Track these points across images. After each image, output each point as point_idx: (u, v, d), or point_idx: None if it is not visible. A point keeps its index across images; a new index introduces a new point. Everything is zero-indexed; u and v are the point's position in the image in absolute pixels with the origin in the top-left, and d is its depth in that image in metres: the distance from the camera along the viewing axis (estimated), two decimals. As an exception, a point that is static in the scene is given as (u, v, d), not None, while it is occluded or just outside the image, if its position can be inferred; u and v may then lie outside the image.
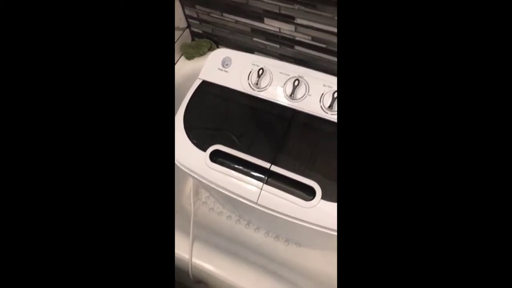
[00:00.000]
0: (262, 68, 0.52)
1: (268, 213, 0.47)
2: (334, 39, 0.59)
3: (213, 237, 0.76)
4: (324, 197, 0.44)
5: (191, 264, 0.55)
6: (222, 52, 0.56)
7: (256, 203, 0.46)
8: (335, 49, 0.61)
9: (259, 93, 0.52)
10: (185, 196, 0.88)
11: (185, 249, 0.57)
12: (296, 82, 0.50)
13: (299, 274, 0.76)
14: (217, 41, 0.77)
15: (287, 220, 0.47)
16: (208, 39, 0.77)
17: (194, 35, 0.79)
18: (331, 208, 0.44)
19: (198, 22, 0.73)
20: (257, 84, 0.52)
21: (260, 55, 0.72)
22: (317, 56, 0.65)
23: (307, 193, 0.45)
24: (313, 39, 0.61)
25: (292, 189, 0.46)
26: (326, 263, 0.78)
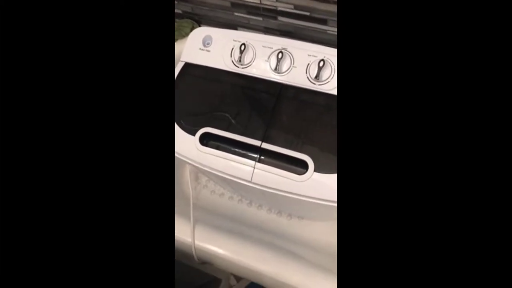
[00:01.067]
0: (244, 44, 0.50)
1: (265, 190, 0.47)
2: (318, 6, 0.56)
3: (216, 219, 0.77)
4: (317, 169, 0.44)
5: (195, 247, 0.57)
6: (201, 31, 0.54)
7: (250, 182, 0.46)
8: (320, 16, 0.59)
9: (243, 69, 0.51)
10: (185, 182, 0.88)
11: (187, 233, 0.58)
12: (280, 55, 0.48)
13: (304, 246, 0.77)
14: (198, 20, 0.74)
15: (285, 196, 0.47)
16: (189, 19, 0.74)
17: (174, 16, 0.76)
18: (324, 180, 0.44)
19: (176, 2, 0.70)
20: (240, 60, 0.50)
21: (244, 31, 0.69)
22: (302, 25, 0.62)
23: (300, 167, 0.45)
24: (296, 7, 0.59)
25: (285, 165, 0.46)
26: (330, 234, 0.79)
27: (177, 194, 0.85)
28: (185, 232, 0.58)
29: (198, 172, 0.88)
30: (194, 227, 0.58)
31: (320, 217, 0.80)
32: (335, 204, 0.45)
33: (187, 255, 0.59)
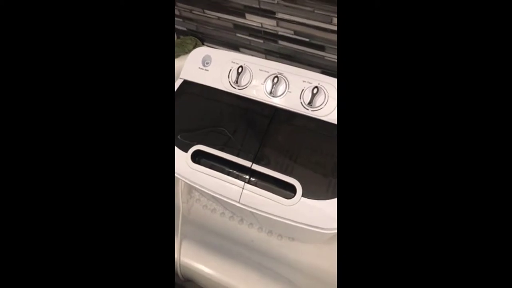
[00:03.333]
0: (241, 66, 0.51)
1: (253, 212, 0.47)
2: (317, 33, 0.58)
3: (206, 235, 0.76)
4: (305, 194, 0.44)
5: (180, 263, 0.56)
6: (202, 51, 0.56)
7: (238, 202, 0.47)
8: (318, 43, 0.60)
9: (239, 91, 0.52)
10: (178, 195, 0.88)
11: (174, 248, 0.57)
12: (276, 79, 0.49)
13: (292, 268, 0.76)
14: (202, 38, 0.76)
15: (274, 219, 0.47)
16: (193, 37, 0.76)
17: (178, 32, 0.78)
18: (312, 205, 0.44)
19: (181, 20, 0.73)
20: (237, 82, 0.51)
21: (246, 51, 0.71)
22: (301, 50, 0.64)
23: (289, 191, 0.45)
24: (296, 33, 0.60)
25: (273, 188, 0.46)
26: (319, 257, 0.78)
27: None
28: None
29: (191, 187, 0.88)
30: (181, 243, 0.58)
31: (310, 240, 0.79)
32: (322, 231, 0.45)
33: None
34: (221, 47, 0.76)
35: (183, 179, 0.50)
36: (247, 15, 0.61)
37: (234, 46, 0.73)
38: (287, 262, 0.79)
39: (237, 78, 0.51)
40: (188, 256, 0.58)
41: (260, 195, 0.46)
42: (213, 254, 0.61)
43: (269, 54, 0.70)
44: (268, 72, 0.51)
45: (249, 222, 0.85)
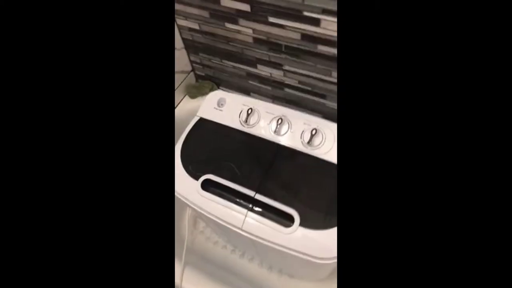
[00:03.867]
0: (251, 108, 0.59)
1: (255, 240, 0.51)
2: (319, 83, 0.67)
3: (207, 265, 0.78)
4: (303, 224, 0.48)
5: (181, 289, 0.58)
6: (218, 94, 0.64)
7: (241, 229, 0.51)
8: (320, 92, 0.69)
9: (248, 129, 0.59)
10: (183, 224, 0.92)
11: (176, 274, 0.60)
12: (280, 121, 0.56)
13: (290, 307, 0.76)
14: (218, 83, 0.86)
15: (273, 248, 0.50)
16: (210, 81, 0.86)
17: (198, 77, 0.89)
18: (309, 235, 0.48)
19: (201, 67, 0.83)
20: (246, 121, 0.59)
21: (255, 96, 0.80)
22: (304, 97, 0.72)
23: (287, 220, 0.50)
24: (300, 82, 0.69)
25: (274, 216, 0.50)
26: (318, 297, 0.78)
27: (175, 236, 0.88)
28: (175, 273, 0.61)
29: (197, 217, 0.92)
30: (183, 269, 0.60)
31: (309, 276, 0.80)
32: (318, 261, 0.48)
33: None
34: (234, 91, 0.85)
35: (193, 206, 0.55)
36: (259, 66, 0.71)
37: (246, 91, 0.82)
38: (286, 301, 0.79)
39: (247, 118, 0.59)
40: (189, 282, 0.60)
41: (261, 223, 0.50)
42: (214, 283, 0.63)
43: (276, 99, 0.79)
44: (273, 114, 0.58)
45: (250, 256, 0.87)
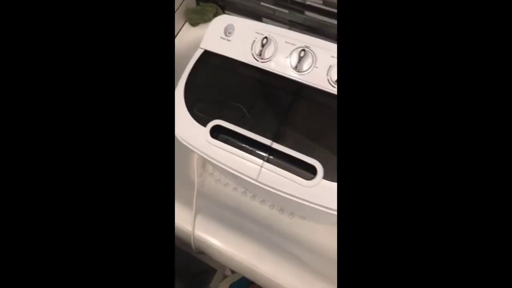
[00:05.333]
0: (266, 37, 0.48)
1: (270, 190, 0.46)
2: (348, 4, 0.53)
3: (218, 209, 0.77)
4: (326, 176, 0.43)
5: (194, 237, 0.57)
6: (224, 19, 0.52)
7: (256, 180, 0.45)
8: (349, 15, 0.56)
9: (262, 64, 0.49)
10: (191, 168, 0.88)
11: (187, 222, 0.58)
12: (302, 53, 0.46)
13: (302, 247, 0.77)
14: (223, 6, 0.72)
15: (291, 199, 0.46)
16: (213, 4, 0.72)
17: (198, -1, 0.74)
18: (332, 188, 0.43)
19: (202, -15, 0.68)
20: (260, 54, 0.48)
21: (269, 21, 0.67)
22: (328, 22, 0.59)
23: (309, 172, 0.44)
24: (325, 3, 0.56)
25: (293, 168, 0.44)
26: (330, 237, 0.78)
27: (182, 180, 0.85)
28: (186, 221, 0.58)
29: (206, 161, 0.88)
30: (195, 216, 0.58)
31: (322, 221, 0.79)
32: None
33: (186, 244, 0.59)
34: (242, 16, 0.71)
35: (201, 154, 0.49)
36: (274, -18, 0.57)
37: (257, 16, 0.69)
38: (297, 240, 0.79)
39: (261, 50, 0.48)
40: (201, 230, 0.58)
41: (279, 175, 0.44)
42: (225, 228, 0.61)
43: (293, 25, 0.66)
44: (294, 44, 0.47)
45: (261, 198, 0.85)
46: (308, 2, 0.57)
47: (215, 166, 0.66)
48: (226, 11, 0.73)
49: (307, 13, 0.60)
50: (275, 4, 0.62)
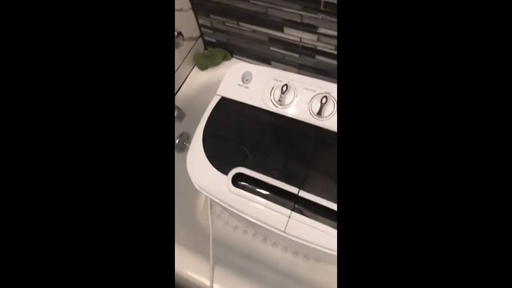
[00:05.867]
0: (286, 84, 0.48)
1: (296, 241, 0.44)
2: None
3: (228, 254, 0.73)
4: (359, 226, 0.41)
5: (212, 291, 0.52)
6: (241, 67, 0.53)
7: (284, 232, 0.43)
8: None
9: (283, 110, 0.49)
10: (199, 211, 0.85)
11: (205, 274, 0.54)
12: (324, 99, 0.46)
13: (320, 293, 0.72)
14: (231, 51, 0.74)
15: (317, 249, 0.43)
16: (222, 49, 0.74)
17: (207, 44, 0.76)
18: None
19: (211, 31, 0.70)
20: (280, 100, 0.49)
21: (278, 65, 0.69)
22: (340, 66, 0.61)
23: (336, 220, 0.42)
24: (337, 48, 0.58)
25: (322, 217, 0.43)
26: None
27: (191, 224, 0.81)
28: (202, 273, 0.54)
29: (210, 200, 0.85)
30: (213, 269, 0.54)
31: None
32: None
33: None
34: (252, 60, 0.73)
35: (221, 204, 0.47)
36: (286, 29, 0.59)
37: (265, 59, 0.71)
38: (313, 285, 0.75)
39: (281, 96, 0.48)
40: (219, 283, 0.54)
41: (308, 225, 0.42)
42: (243, 280, 0.57)
43: (302, 68, 0.67)
44: (314, 91, 0.48)
45: (273, 241, 0.82)
46: (320, 48, 0.59)
47: (233, 214, 0.64)
48: (234, 55, 0.75)
49: (318, 57, 0.62)
50: (285, 49, 0.64)
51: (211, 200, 0.78)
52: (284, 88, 0.48)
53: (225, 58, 0.74)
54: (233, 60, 0.75)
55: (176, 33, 0.53)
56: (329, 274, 0.76)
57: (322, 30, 0.55)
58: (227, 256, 0.69)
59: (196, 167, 0.49)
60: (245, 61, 0.74)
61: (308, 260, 0.79)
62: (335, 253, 0.42)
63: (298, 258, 0.79)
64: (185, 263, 0.56)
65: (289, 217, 0.43)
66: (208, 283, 0.53)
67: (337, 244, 0.42)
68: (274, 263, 0.78)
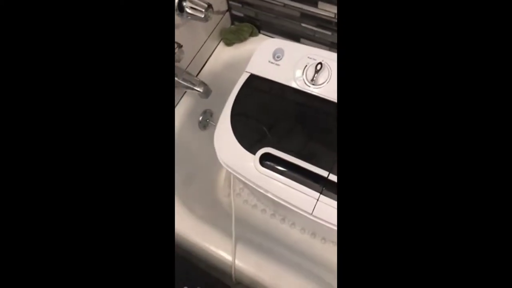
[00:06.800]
0: (320, 63, 0.46)
1: (323, 224, 0.43)
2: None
3: (248, 232, 0.74)
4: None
5: (234, 267, 0.54)
6: (273, 43, 0.51)
7: (311, 214, 0.43)
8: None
9: (316, 90, 0.47)
10: (219, 187, 0.86)
11: (227, 250, 0.55)
12: (361, 81, 0.44)
13: (334, 273, 0.73)
14: (259, 26, 0.71)
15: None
16: (249, 23, 0.71)
17: (234, 18, 0.73)
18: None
19: (240, 5, 0.67)
20: (313, 80, 0.47)
21: (308, 42, 0.66)
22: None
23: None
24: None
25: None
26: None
27: (211, 200, 0.82)
28: (224, 249, 0.56)
29: (234, 178, 0.86)
30: (235, 246, 0.55)
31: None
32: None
33: (224, 274, 0.56)
34: (279, 36, 0.70)
35: (249, 183, 0.46)
36: (320, 3, 0.55)
37: (295, 37, 0.67)
38: (330, 267, 0.76)
39: (314, 75, 0.46)
40: (241, 260, 0.55)
41: (335, 208, 0.42)
42: (264, 258, 0.58)
43: (334, 47, 0.64)
44: (350, 71, 0.45)
45: (291, 221, 0.82)
46: (355, 25, 0.56)
47: (255, 193, 0.64)
48: (262, 31, 0.72)
49: (352, 35, 0.58)
50: (317, 26, 0.61)
51: (233, 178, 0.79)
52: (318, 66, 0.46)
53: (252, 34, 0.71)
54: (260, 36, 0.72)
55: (206, 5, 0.51)
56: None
57: (360, 6, 0.51)
58: (246, 233, 0.70)
59: (223, 145, 0.48)
60: (273, 37, 0.71)
61: (325, 243, 0.79)
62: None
63: (316, 240, 0.80)
64: (207, 238, 0.57)
65: (318, 200, 0.42)
66: (230, 258, 0.54)
67: (337, 216, 0.41)
68: (292, 243, 0.79)
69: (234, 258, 0.54)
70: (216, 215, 0.76)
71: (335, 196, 0.42)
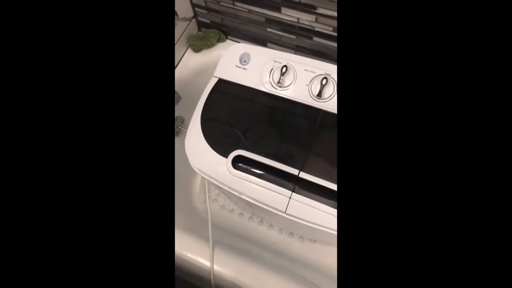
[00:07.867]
0: (285, 65, 0.48)
1: (297, 222, 0.45)
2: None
3: (226, 237, 0.74)
4: (358, 205, 0.42)
5: (213, 273, 0.53)
6: (239, 48, 0.52)
7: (284, 213, 0.44)
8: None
9: (282, 92, 0.48)
10: (195, 194, 0.85)
11: (205, 256, 0.55)
12: (324, 81, 0.46)
13: (316, 272, 0.75)
14: (226, 32, 0.72)
15: (316, 229, 0.44)
16: (216, 30, 0.72)
17: (201, 25, 0.74)
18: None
19: (206, 12, 0.68)
20: (279, 82, 0.48)
21: (274, 46, 0.67)
22: (336, 47, 0.61)
23: (335, 199, 0.43)
24: (335, 29, 0.57)
25: (322, 197, 0.43)
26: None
27: (187, 207, 0.81)
28: (202, 255, 0.55)
29: (209, 184, 0.85)
30: (213, 251, 0.55)
31: (333, 241, 0.78)
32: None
33: (202, 280, 0.56)
34: (247, 42, 0.72)
35: (223, 186, 0.47)
36: (283, 9, 0.57)
37: (261, 41, 0.69)
38: (310, 265, 0.77)
39: (280, 78, 0.48)
40: (220, 264, 0.55)
41: (309, 205, 0.43)
42: (242, 260, 0.58)
43: (299, 50, 0.67)
44: (314, 72, 0.47)
45: (269, 223, 0.83)
46: (317, 29, 0.58)
47: (233, 197, 0.64)
48: (229, 37, 0.73)
49: (316, 38, 0.61)
50: (282, 30, 0.63)
51: (208, 184, 0.79)
52: (284, 69, 0.48)
53: (219, 40, 0.72)
54: (228, 41, 0.73)
55: (170, 12, 0.51)
56: (324, 254, 0.78)
57: (320, 10, 0.54)
58: (224, 238, 0.70)
59: (194, 150, 0.48)
60: (240, 42, 0.72)
61: (303, 241, 0.81)
62: (334, 232, 0.44)
63: (294, 239, 0.81)
64: (184, 245, 0.56)
65: (290, 198, 0.43)
66: (208, 264, 0.54)
67: (337, 223, 0.43)
68: (271, 244, 0.80)
69: (212, 263, 0.54)
70: (193, 223, 0.75)
71: (307, 193, 0.44)
